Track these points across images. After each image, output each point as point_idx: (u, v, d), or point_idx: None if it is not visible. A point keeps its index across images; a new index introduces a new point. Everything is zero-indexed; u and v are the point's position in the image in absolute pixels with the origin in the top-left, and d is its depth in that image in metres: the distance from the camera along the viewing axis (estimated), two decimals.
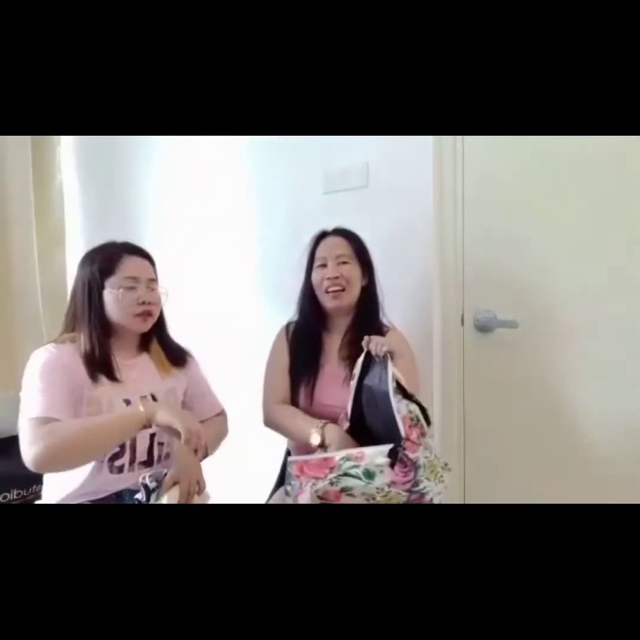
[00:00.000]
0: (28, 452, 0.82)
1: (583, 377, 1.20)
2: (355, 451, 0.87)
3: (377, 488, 0.83)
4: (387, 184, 1.33)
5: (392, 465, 0.83)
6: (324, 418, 1.02)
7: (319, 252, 1.12)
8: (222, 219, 1.62)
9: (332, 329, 1.15)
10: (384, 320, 1.16)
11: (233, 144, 1.57)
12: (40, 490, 1.03)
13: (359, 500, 0.84)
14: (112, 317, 0.97)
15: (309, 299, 1.14)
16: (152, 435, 1.00)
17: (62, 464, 0.86)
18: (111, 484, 0.95)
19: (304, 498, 0.84)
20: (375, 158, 1.34)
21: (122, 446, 0.95)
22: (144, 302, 0.98)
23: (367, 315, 1.12)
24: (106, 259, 0.98)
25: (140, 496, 0.87)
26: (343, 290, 1.08)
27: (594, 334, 1.18)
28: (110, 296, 0.96)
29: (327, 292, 1.08)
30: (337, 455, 0.87)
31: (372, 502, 0.84)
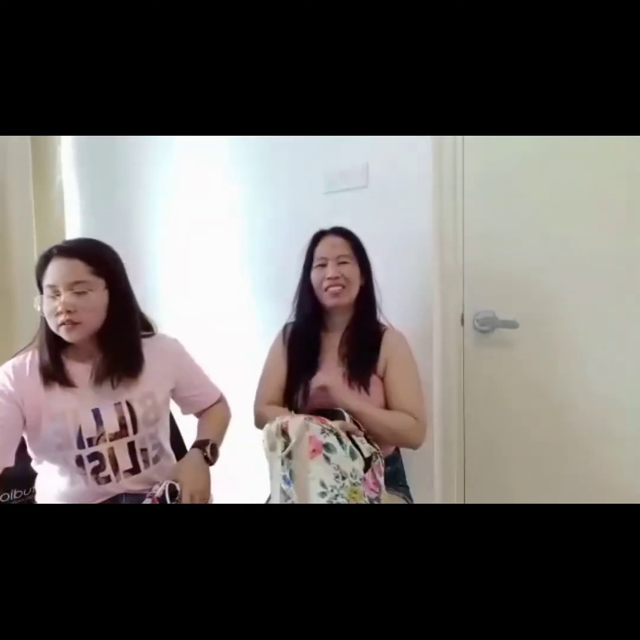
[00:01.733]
0: None
1: (583, 377, 1.20)
2: (354, 429, 0.92)
3: (353, 470, 0.84)
4: (387, 184, 1.33)
5: (365, 471, 0.87)
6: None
7: (319, 252, 1.11)
8: (222, 218, 1.62)
9: (331, 328, 1.15)
10: (381, 319, 1.16)
11: (233, 143, 1.57)
12: None
13: (329, 470, 0.83)
14: None
15: (308, 298, 1.14)
16: (131, 443, 0.96)
17: None
18: (102, 495, 0.95)
19: (297, 422, 0.85)
20: (375, 158, 1.34)
21: (101, 459, 0.93)
22: (64, 311, 0.84)
23: (364, 314, 1.13)
24: (39, 265, 0.88)
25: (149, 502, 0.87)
26: (343, 287, 1.09)
27: (593, 333, 1.18)
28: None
29: (326, 290, 1.09)
30: (337, 426, 0.88)
31: (339, 484, 0.83)
